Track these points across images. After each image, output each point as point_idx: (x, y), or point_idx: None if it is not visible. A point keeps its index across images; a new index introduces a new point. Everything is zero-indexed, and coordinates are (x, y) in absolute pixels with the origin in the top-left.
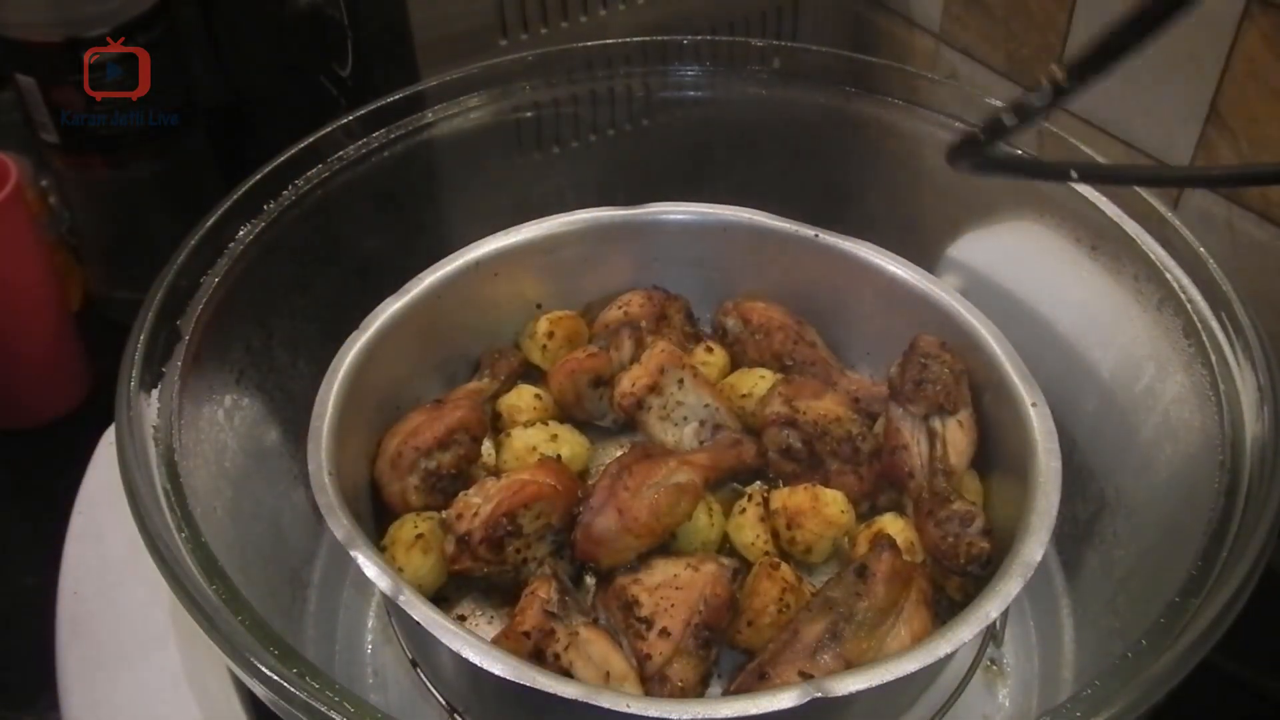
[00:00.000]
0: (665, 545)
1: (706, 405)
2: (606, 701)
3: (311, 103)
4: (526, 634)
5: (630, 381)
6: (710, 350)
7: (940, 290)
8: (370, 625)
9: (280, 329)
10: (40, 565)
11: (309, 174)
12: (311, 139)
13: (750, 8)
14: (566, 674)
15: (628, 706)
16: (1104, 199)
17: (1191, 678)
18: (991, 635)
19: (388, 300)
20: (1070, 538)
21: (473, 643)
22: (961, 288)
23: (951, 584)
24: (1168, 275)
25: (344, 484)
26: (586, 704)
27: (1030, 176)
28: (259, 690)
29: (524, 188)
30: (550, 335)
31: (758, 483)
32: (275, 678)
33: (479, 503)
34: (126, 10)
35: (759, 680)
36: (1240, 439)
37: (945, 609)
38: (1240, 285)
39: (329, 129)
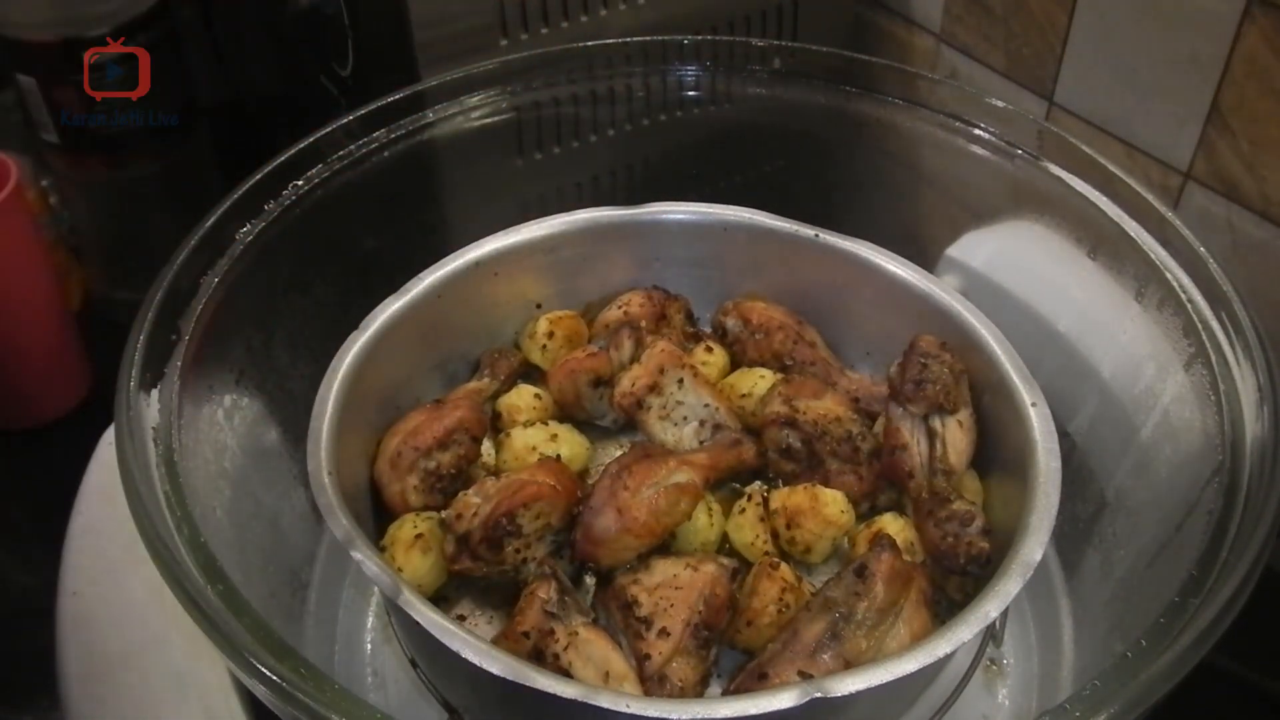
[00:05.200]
0: (665, 545)
1: (706, 405)
2: (606, 701)
3: (311, 103)
4: (526, 634)
5: (630, 381)
6: (710, 350)
7: (940, 290)
8: (370, 625)
9: (280, 329)
10: (40, 565)
11: (309, 174)
12: (311, 139)
13: (750, 8)
14: (566, 674)
15: (627, 706)
16: (1104, 199)
17: (1191, 678)
18: (991, 635)
19: (388, 300)
20: (1070, 538)
21: (472, 643)
22: (961, 288)
23: (951, 584)
24: (1168, 275)
25: (344, 484)
26: (585, 704)
27: None
28: (259, 690)
29: (524, 188)
30: (550, 335)
31: (757, 483)
32: (275, 678)
33: (478, 503)
34: (126, 10)
35: (758, 680)
36: (1240, 439)
37: (945, 609)
38: (1240, 285)
39: (329, 129)
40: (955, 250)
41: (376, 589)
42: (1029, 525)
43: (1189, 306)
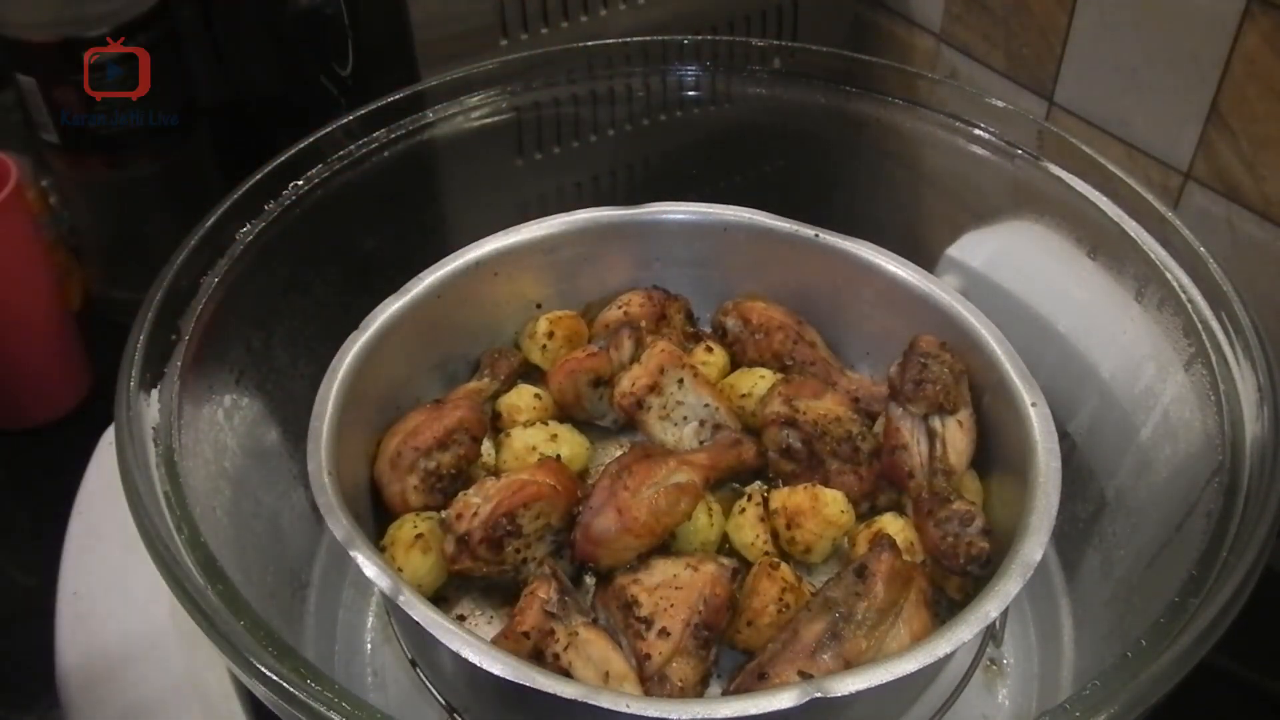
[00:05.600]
0: (665, 545)
1: (706, 405)
2: (606, 701)
3: (311, 103)
4: (526, 634)
5: (630, 381)
6: (710, 350)
7: (940, 290)
8: (370, 625)
9: (280, 329)
10: (40, 565)
11: (309, 174)
12: (311, 139)
13: (750, 8)
14: (566, 674)
15: (627, 706)
16: (1104, 199)
17: (1191, 678)
18: (991, 635)
19: (388, 300)
20: (1070, 538)
21: (472, 643)
22: (961, 288)
23: (951, 584)
24: (1168, 275)
25: (344, 484)
26: (586, 704)
27: None
28: (259, 690)
29: (524, 188)
30: (550, 335)
31: (757, 483)
32: (275, 678)
33: (478, 503)
34: (126, 10)
35: (758, 680)
36: (1240, 439)
37: (945, 609)
38: (1240, 285)
39: (329, 129)
40: (955, 250)
41: (376, 589)
42: (1029, 525)
43: (1189, 306)
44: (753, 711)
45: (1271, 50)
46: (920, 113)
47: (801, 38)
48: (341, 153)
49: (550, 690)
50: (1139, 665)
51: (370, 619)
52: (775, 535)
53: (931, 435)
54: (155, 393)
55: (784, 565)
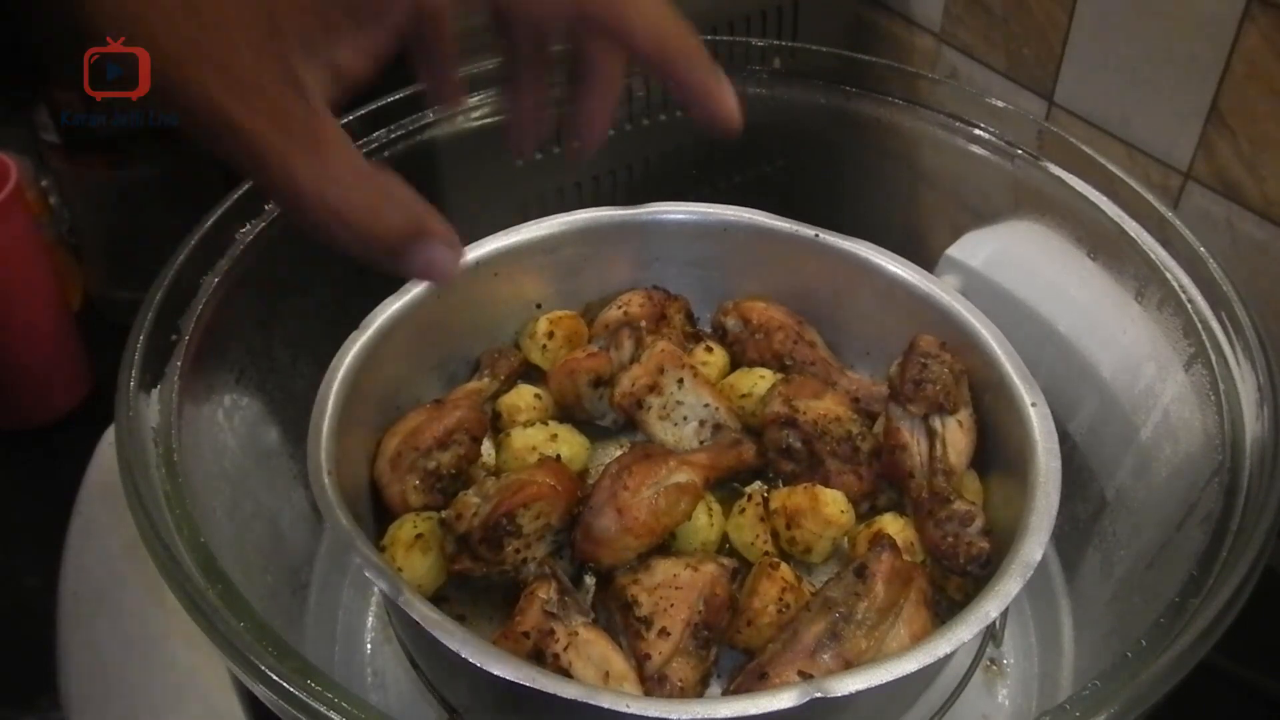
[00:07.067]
0: (665, 545)
1: (706, 405)
2: (606, 701)
3: None
4: (526, 634)
5: (630, 381)
6: (710, 350)
7: (940, 290)
8: (370, 625)
9: (280, 329)
10: (40, 565)
11: None
12: None
13: (750, 8)
14: (566, 674)
15: (627, 706)
16: (1104, 199)
17: (1191, 678)
18: (991, 635)
19: (388, 300)
20: (1070, 538)
21: (472, 643)
22: (961, 288)
23: (951, 584)
24: (1168, 275)
25: (344, 484)
26: (586, 704)
27: None
28: (259, 690)
29: (524, 188)
30: (550, 335)
31: (758, 483)
32: (275, 678)
33: (478, 503)
34: None
35: (759, 680)
36: (1240, 439)
37: (945, 609)
38: (1240, 285)
39: None
40: (955, 250)
41: (376, 589)
42: (1029, 525)
43: (1189, 306)
44: (753, 711)
45: (1271, 50)
46: (920, 113)
47: (801, 38)
48: None
49: (550, 690)
50: (1139, 665)
51: (370, 619)
52: (775, 535)
53: (931, 435)
54: (155, 393)
55: (784, 565)
